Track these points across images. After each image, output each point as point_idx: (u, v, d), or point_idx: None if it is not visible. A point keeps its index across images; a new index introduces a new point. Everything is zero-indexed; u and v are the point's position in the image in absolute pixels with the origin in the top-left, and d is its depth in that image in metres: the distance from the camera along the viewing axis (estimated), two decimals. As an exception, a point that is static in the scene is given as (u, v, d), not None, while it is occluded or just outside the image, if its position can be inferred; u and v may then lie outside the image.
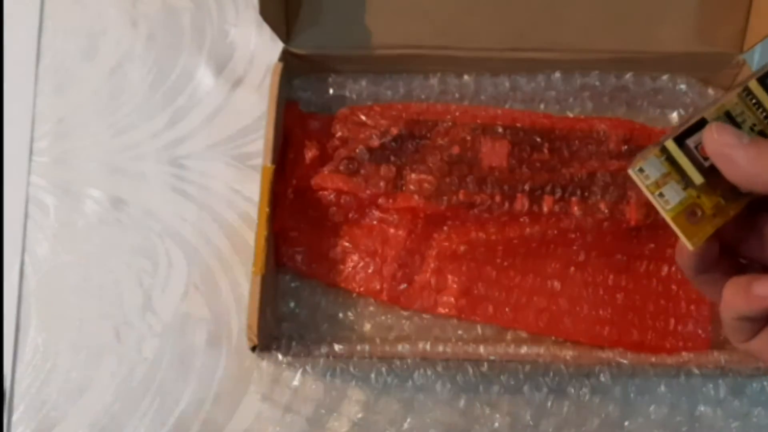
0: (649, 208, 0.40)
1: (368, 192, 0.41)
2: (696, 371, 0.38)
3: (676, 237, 0.28)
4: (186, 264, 0.44)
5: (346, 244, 0.42)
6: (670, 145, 0.27)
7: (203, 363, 0.42)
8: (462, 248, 0.40)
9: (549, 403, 0.40)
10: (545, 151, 0.42)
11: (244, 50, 0.48)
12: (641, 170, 0.27)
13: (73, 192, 0.46)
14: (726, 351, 0.38)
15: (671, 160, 0.27)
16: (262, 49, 0.48)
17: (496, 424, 0.40)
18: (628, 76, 0.44)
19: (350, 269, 0.41)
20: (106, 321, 0.43)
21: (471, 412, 0.40)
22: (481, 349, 0.38)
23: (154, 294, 0.44)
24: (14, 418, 0.42)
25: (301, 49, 0.43)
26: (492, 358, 0.38)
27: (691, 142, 0.27)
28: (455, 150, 0.42)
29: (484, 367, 0.39)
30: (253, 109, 0.47)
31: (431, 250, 0.41)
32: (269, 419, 0.41)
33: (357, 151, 0.42)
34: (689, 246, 0.27)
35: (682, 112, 0.44)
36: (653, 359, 0.38)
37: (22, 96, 0.48)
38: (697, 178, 0.27)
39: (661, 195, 0.27)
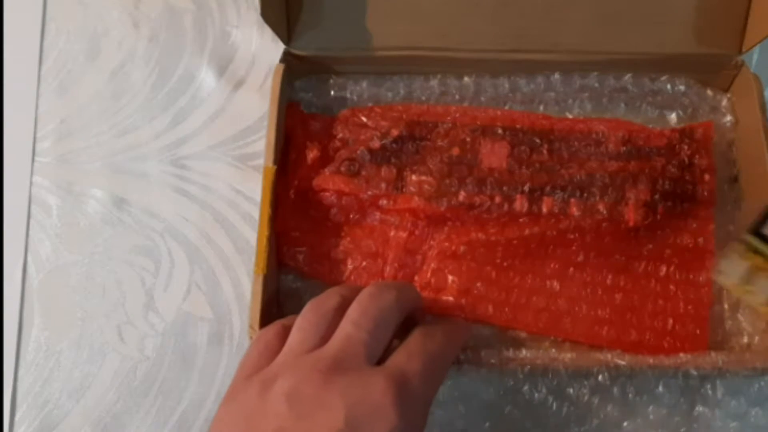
0: (647, 209, 0.40)
1: (369, 193, 0.41)
2: (694, 372, 0.39)
3: None
4: (188, 263, 0.44)
5: (348, 244, 0.42)
6: (750, 238, 0.26)
7: (205, 362, 0.43)
8: (462, 249, 0.41)
9: (548, 404, 0.40)
10: (544, 152, 0.42)
11: (246, 52, 0.48)
12: (724, 271, 0.26)
13: (76, 192, 0.46)
14: (724, 352, 0.38)
15: (754, 252, 0.26)
16: (263, 50, 0.48)
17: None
18: (627, 77, 0.44)
19: (351, 269, 0.42)
20: (109, 320, 0.43)
21: (470, 414, 0.40)
22: (482, 351, 0.38)
23: (156, 293, 0.44)
24: (17, 416, 0.42)
25: (303, 50, 0.44)
26: (492, 361, 0.38)
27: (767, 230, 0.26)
28: (455, 151, 0.42)
29: (483, 369, 0.39)
30: (254, 110, 0.47)
31: (431, 251, 0.41)
32: (270, 418, 0.42)
33: (358, 152, 0.42)
34: None
35: (680, 113, 0.45)
36: (651, 360, 0.38)
37: (24, 97, 0.48)
38: None
39: (750, 291, 0.26)
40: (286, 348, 0.32)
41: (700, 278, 0.40)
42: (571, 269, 0.41)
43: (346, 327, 0.32)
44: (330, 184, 0.41)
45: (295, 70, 0.45)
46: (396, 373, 0.30)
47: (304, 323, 0.33)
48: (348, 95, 0.45)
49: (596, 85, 0.44)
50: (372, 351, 0.31)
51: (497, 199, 0.40)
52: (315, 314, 0.33)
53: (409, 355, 0.32)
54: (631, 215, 0.40)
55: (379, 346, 0.32)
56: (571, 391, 0.40)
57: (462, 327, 0.37)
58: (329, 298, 0.34)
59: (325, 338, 0.32)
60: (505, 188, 0.41)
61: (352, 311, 0.32)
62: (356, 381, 0.29)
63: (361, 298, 0.33)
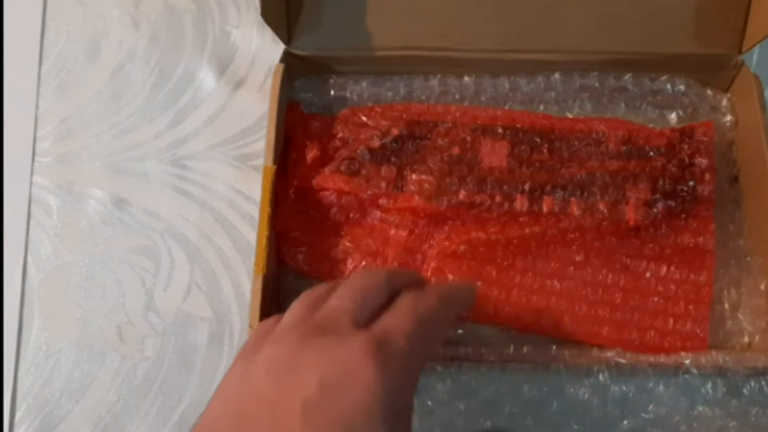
0: (647, 209, 0.40)
1: (369, 192, 0.41)
2: (694, 371, 0.39)
3: None
4: (188, 263, 0.44)
5: (348, 243, 0.42)
6: None
7: (205, 362, 0.43)
8: (462, 248, 0.41)
9: (548, 403, 0.40)
10: (545, 151, 0.42)
11: (246, 51, 0.48)
12: None
13: (76, 192, 0.46)
14: (724, 351, 0.38)
15: None
16: (263, 50, 0.48)
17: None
18: (627, 77, 0.44)
19: (351, 269, 0.42)
20: (109, 320, 0.43)
21: (470, 413, 0.40)
22: (482, 350, 0.38)
23: (156, 293, 0.44)
24: (17, 416, 0.42)
25: (303, 50, 0.44)
26: (492, 359, 0.38)
27: None
28: (455, 150, 0.42)
29: (484, 368, 0.39)
30: (254, 110, 0.47)
31: (432, 250, 0.41)
32: (270, 418, 0.42)
33: (358, 151, 0.42)
34: None
35: (680, 113, 0.45)
36: (652, 359, 0.38)
37: (25, 96, 0.48)
38: None
39: None
40: (277, 328, 0.31)
41: (701, 278, 0.40)
42: (572, 268, 0.41)
43: (331, 300, 0.31)
44: (330, 183, 0.41)
45: (295, 70, 0.45)
46: (378, 332, 0.29)
47: (296, 306, 0.32)
48: (348, 95, 0.45)
49: (596, 85, 0.44)
50: (357, 318, 0.30)
51: (497, 198, 0.40)
52: (308, 297, 0.33)
53: (395, 315, 0.30)
54: (632, 215, 0.40)
55: (364, 314, 0.30)
56: (572, 389, 0.40)
57: (462, 289, 0.36)
58: (322, 285, 0.34)
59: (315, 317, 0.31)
60: (505, 187, 0.41)
61: (340, 288, 0.32)
62: (334, 342, 0.29)
63: (350, 277, 0.33)
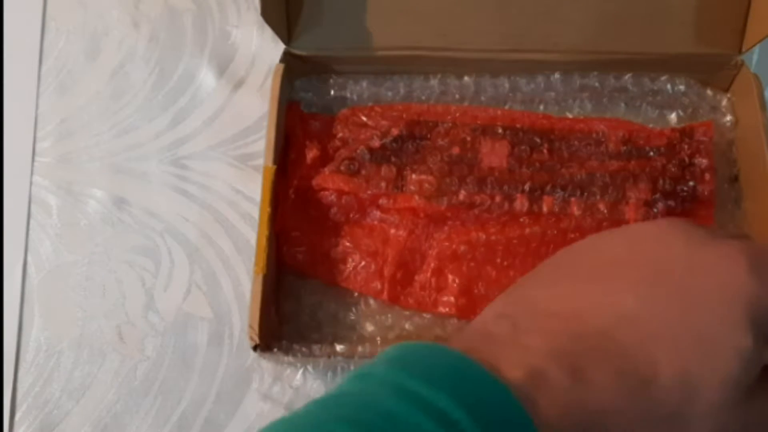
0: (647, 209, 0.40)
1: (369, 192, 0.41)
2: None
3: None
4: (188, 263, 0.44)
5: (347, 243, 0.42)
6: None
7: (205, 362, 0.43)
8: (462, 248, 0.41)
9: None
10: (545, 151, 0.42)
11: (246, 51, 0.48)
12: None
13: (76, 192, 0.46)
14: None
15: None
16: (263, 50, 0.48)
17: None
18: (627, 77, 0.44)
19: (351, 269, 0.42)
20: (109, 320, 0.43)
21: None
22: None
23: (156, 293, 0.44)
24: (17, 417, 0.42)
25: (303, 50, 0.44)
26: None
27: None
28: (455, 150, 0.42)
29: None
30: (254, 110, 0.47)
31: (432, 250, 0.41)
32: (270, 418, 0.41)
33: (358, 151, 0.42)
34: None
35: (680, 113, 0.45)
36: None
37: (24, 96, 0.48)
38: None
39: None
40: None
41: (701, 278, 0.40)
42: (572, 269, 0.41)
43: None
44: (330, 183, 0.41)
45: (295, 70, 0.45)
46: None
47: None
48: (348, 95, 0.45)
49: (596, 85, 0.44)
50: None
51: (497, 199, 0.40)
52: None
53: None
54: (632, 214, 0.40)
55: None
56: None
57: None
58: None
59: None
60: (505, 187, 0.41)
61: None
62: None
63: None
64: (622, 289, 0.27)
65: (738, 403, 0.26)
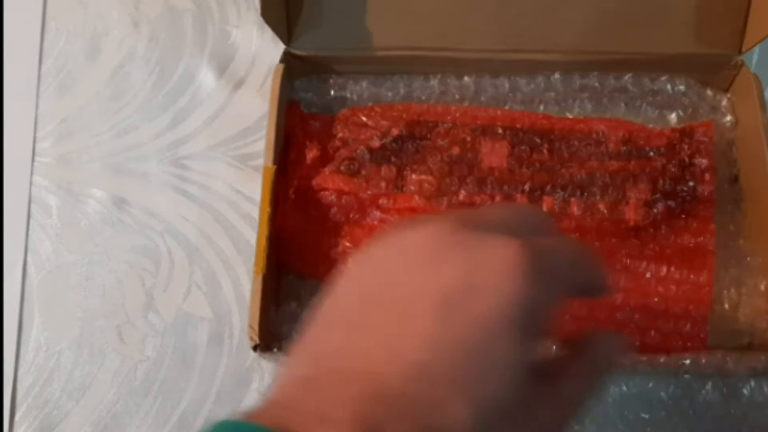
0: (647, 209, 0.40)
1: (369, 192, 0.41)
2: (694, 371, 0.39)
3: None
4: (188, 264, 0.44)
5: (347, 244, 0.42)
6: None
7: (205, 362, 0.43)
8: (462, 248, 0.41)
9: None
10: (545, 151, 0.42)
11: (246, 52, 0.48)
12: None
13: (76, 192, 0.46)
14: (724, 351, 0.38)
15: None
16: (263, 50, 0.48)
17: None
18: (627, 77, 0.44)
19: (351, 269, 0.42)
20: (109, 320, 0.43)
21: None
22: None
23: (156, 293, 0.44)
24: (17, 417, 0.42)
25: (303, 50, 0.44)
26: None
27: None
28: (455, 150, 0.42)
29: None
30: (254, 110, 0.47)
31: (431, 250, 0.41)
32: (270, 418, 0.42)
33: (358, 151, 0.42)
34: None
35: (680, 113, 0.45)
36: (652, 359, 0.38)
37: (25, 96, 0.48)
38: None
39: None
40: (425, 219, 0.28)
41: (701, 278, 0.40)
42: (572, 269, 0.41)
43: (485, 210, 0.28)
44: (330, 183, 0.41)
45: (295, 70, 0.45)
46: (534, 243, 0.25)
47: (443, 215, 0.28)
48: (348, 95, 0.45)
49: (596, 85, 0.44)
50: (513, 230, 0.26)
51: (497, 199, 0.40)
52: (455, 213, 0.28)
53: (552, 240, 0.26)
54: (632, 215, 0.40)
55: (520, 230, 0.26)
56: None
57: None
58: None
59: None
60: (505, 187, 0.41)
61: (493, 206, 0.30)
62: (488, 241, 0.24)
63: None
64: (408, 332, 0.24)
65: (517, 420, 0.25)
